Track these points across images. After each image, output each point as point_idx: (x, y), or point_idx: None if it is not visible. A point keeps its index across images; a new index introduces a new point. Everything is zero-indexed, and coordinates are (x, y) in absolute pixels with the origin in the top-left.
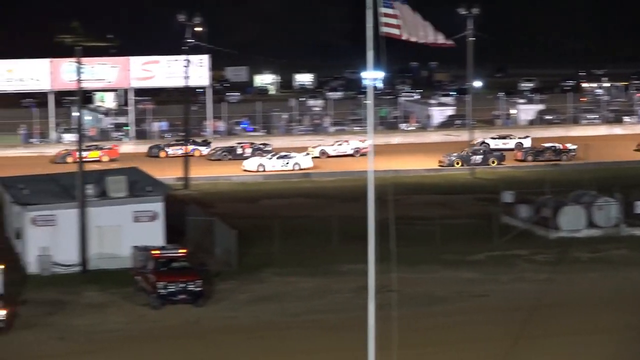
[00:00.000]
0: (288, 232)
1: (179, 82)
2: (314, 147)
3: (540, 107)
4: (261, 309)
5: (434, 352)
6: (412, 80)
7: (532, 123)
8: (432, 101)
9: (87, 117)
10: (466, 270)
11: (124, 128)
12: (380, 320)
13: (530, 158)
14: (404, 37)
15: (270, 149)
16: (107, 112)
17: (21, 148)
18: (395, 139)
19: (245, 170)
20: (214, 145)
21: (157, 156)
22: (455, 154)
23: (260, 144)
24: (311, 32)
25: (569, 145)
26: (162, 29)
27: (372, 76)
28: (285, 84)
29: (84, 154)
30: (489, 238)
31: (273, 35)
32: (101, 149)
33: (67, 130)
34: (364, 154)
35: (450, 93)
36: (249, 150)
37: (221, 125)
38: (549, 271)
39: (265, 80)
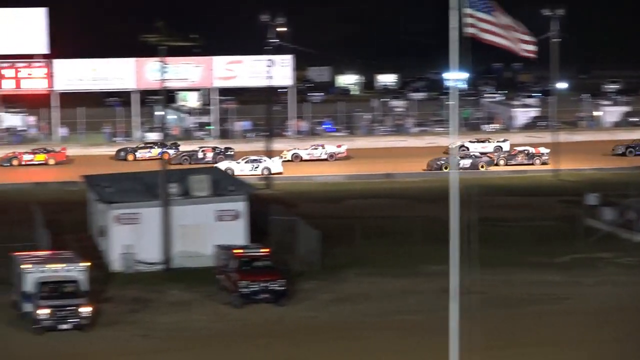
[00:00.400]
0: (371, 232)
1: (262, 82)
2: (287, 151)
3: (626, 109)
4: (343, 309)
5: (518, 354)
6: (495, 82)
7: (617, 125)
8: (516, 102)
9: (171, 116)
10: (550, 273)
11: (207, 127)
12: (463, 321)
13: (502, 162)
14: (487, 40)
15: (232, 153)
16: (190, 112)
17: (105, 147)
18: None
19: None
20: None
21: (125, 159)
22: (444, 158)
23: (224, 148)
24: (395, 32)
25: (542, 149)
26: (246, 28)
27: (456, 77)
28: (368, 85)
29: (29, 157)
30: (573, 241)
31: (357, 35)
32: (48, 152)
33: (151, 129)
34: (339, 159)
35: (534, 94)
36: (210, 155)
37: (304, 125)
38: (634, 274)
39: (348, 80)
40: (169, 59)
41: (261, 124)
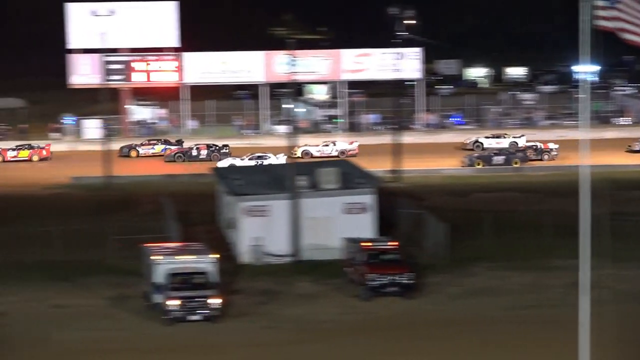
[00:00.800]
0: (499, 225)
1: (391, 75)
2: (298, 147)
3: None
4: (472, 302)
5: None
6: (627, 74)
7: None
8: None
9: (299, 109)
10: None
11: (335, 120)
12: (593, 316)
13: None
14: (620, 33)
15: (227, 150)
16: (318, 105)
17: (235, 139)
18: (608, 133)
19: None
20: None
21: (128, 155)
22: (476, 154)
23: (222, 145)
24: (524, 24)
25: (551, 145)
26: (375, 21)
27: (586, 70)
28: (497, 77)
29: (13, 153)
30: None
31: (486, 27)
32: (32, 148)
33: (279, 122)
34: (351, 156)
35: None
36: (204, 152)
37: (432, 118)
38: None
39: (477, 73)
40: (297, 52)
41: (389, 117)
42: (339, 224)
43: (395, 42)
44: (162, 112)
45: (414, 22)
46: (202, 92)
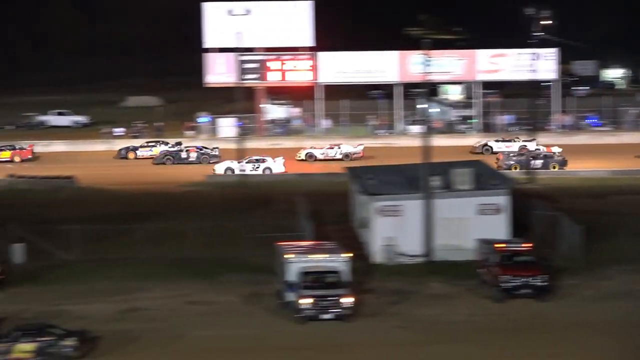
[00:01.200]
0: (637, 229)
1: (526, 76)
2: (302, 150)
3: None
4: (608, 306)
5: None
6: None
7: None
8: None
9: (434, 110)
10: None
11: (470, 121)
12: None
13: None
14: None
15: (217, 153)
16: (453, 105)
17: (369, 139)
18: None
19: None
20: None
21: (126, 157)
22: (514, 158)
23: (212, 148)
24: None
25: (554, 149)
26: (510, 22)
27: None
28: (635, 79)
29: None
30: None
31: (623, 28)
32: (14, 149)
33: (414, 122)
34: (355, 159)
35: None
36: (193, 155)
37: (568, 120)
38: None
39: (614, 74)
40: (432, 52)
41: (524, 118)
42: (473, 224)
43: (531, 42)
44: (297, 111)
45: (550, 22)
46: (336, 92)
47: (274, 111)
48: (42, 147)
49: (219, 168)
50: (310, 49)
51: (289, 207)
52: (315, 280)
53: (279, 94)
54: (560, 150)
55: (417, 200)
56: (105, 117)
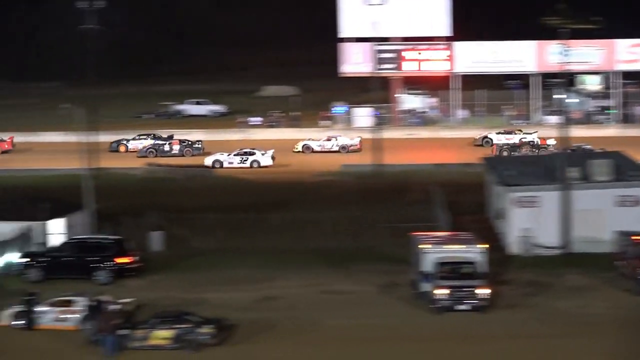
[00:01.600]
0: None
1: None
2: (300, 142)
3: None
4: None
5: None
6: None
7: None
8: None
9: (572, 100)
10: None
11: (609, 112)
12: None
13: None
14: None
15: (200, 146)
16: (591, 95)
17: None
18: None
19: (205, 167)
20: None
21: (117, 150)
22: (506, 149)
23: (196, 141)
24: None
25: (549, 141)
26: None
27: None
28: None
29: None
30: None
31: None
32: None
33: (551, 113)
34: (352, 151)
35: None
36: (176, 147)
37: None
38: None
39: None
40: (570, 42)
41: None
42: (611, 216)
43: None
44: (433, 101)
45: None
46: (472, 82)
47: (410, 101)
48: (181, 135)
49: (208, 160)
50: (447, 38)
51: (424, 197)
52: (450, 271)
53: (414, 83)
54: (555, 142)
55: (554, 192)
56: (241, 106)
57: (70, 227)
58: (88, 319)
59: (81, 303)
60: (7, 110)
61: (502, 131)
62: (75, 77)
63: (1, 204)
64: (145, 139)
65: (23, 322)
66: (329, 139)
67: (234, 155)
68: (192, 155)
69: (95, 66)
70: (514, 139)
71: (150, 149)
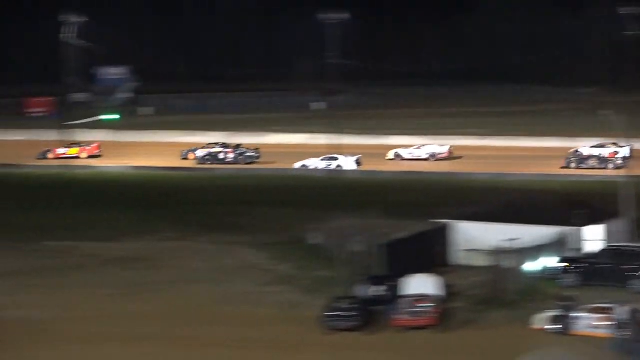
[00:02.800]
0: None
1: None
2: (391, 150)
3: None
4: None
5: None
6: None
7: None
8: None
9: None
10: None
11: None
12: None
13: (573, 165)
14: None
15: (254, 154)
16: None
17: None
18: None
19: None
20: None
21: (186, 158)
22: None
23: (254, 149)
24: None
25: (620, 151)
26: None
27: None
28: None
29: (63, 151)
30: None
31: None
32: (80, 145)
33: None
34: (440, 159)
35: None
36: (231, 155)
37: None
38: None
39: None
40: None
41: None
42: None
43: None
44: None
45: None
46: None
47: None
48: None
49: (297, 165)
50: None
51: None
52: None
53: None
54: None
55: None
56: None
57: (608, 234)
58: (623, 327)
59: (617, 311)
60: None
61: (596, 145)
62: (610, 84)
63: (537, 209)
64: (213, 147)
65: (558, 326)
66: (419, 147)
67: (321, 160)
68: (247, 163)
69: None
70: (603, 152)
71: (207, 157)
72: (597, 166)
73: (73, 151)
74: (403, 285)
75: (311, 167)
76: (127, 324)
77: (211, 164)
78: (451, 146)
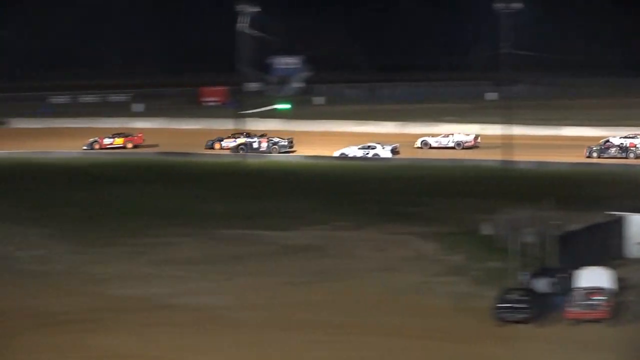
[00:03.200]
0: None
1: None
2: (418, 138)
3: None
4: None
5: None
6: None
7: None
8: None
9: None
10: None
11: None
12: None
13: (595, 155)
14: None
15: (286, 143)
16: None
17: None
18: None
19: None
20: None
21: (212, 148)
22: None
23: (287, 139)
24: None
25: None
26: None
27: None
28: None
29: (109, 141)
30: None
31: None
32: (126, 136)
33: None
34: (466, 148)
35: None
36: (264, 145)
37: None
38: None
39: None
40: None
41: None
42: None
43: None
44: None
45: None
46: None
47: None
48: None
49: (336, 153)
50: None
51: None
52: None
53: None
54: None
55: None
56: None
57: None
58: None
59: None
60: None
61: (629, 135)
62: None
63: None
64: (238, 137)
65: None
66: (446, 136)
67: (358, 148)
68: (280, 152)
69: None
70: (637, 141)
71: (241, 146)
72: None
73: (119, 141)
74: (576, 278)
75: (350, 155)
76: (300, 312)
77: (245, 153)
78: (477, 135)
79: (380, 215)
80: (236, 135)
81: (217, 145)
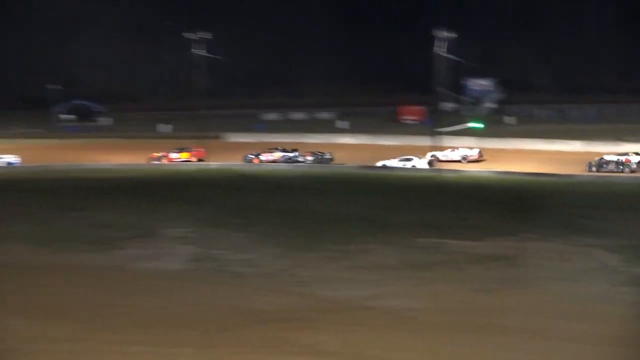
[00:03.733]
0: None
1: None
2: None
3: None
4: None
5: None
6: None
7: None
8: None
9: None
10: None
11: None
12: None
13: (594, 169)
14: None
15: (329, 157)
16: None
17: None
18: None
19: None
20: None
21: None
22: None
23: (327, 152)
24: None
25: (632, 158)
26: None
27: None
28: None
29: (176, 155)
30: None
31: None
32: (190, 150)
33: None
34: (471, 161)
35: None
36: (310, 158)
37: None
38: None
39: None
40: None
41: None
42: None
43: None
44: None
45: None
46: None
47: None
48: None
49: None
50: None
51: None
52: None
53: None
54: (638, 160)
55: None
56: None
57: None
58: None
59: None
60: None
61: (620, 153)
62: None
63: None
64: (275, 151)
65: None
66: (453, 150)
67: (398, 160)
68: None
69: None
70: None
71: (289, 159)
72: None
73: (184, 155)
74: None
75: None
76: (489, 316)
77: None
78: (480, 149)
79: (565, 227)
80: (272, 149)
81: (255, 161)
